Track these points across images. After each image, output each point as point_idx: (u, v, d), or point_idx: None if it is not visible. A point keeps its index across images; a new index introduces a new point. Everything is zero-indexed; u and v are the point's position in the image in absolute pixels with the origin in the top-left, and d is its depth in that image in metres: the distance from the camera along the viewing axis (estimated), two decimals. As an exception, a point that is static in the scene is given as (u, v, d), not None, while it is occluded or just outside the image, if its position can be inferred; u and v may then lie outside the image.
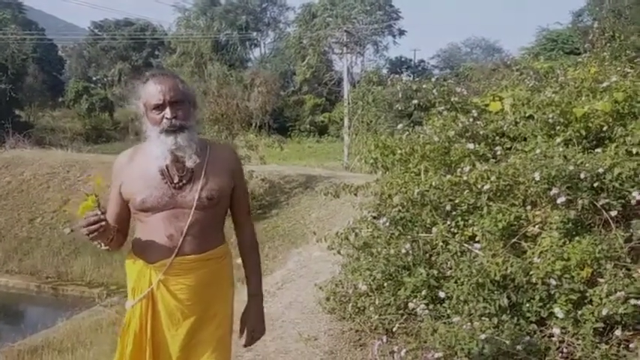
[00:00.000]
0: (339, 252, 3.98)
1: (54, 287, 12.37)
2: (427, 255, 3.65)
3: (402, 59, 40.42)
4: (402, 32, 37.64)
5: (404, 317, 3.48)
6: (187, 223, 2.02)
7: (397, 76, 6.41)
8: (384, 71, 31.45)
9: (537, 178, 3.21)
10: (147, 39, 39.78)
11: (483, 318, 2.97)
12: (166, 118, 2.01)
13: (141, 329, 2.04)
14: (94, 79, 38.85)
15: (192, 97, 2.12)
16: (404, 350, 3.03)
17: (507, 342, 2.68)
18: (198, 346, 2.07)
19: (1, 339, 8.43)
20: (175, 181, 2.04)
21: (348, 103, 21.26)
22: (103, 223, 1.93)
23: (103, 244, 2.03)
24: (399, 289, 3.56)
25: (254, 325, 2.21)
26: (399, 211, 3.95)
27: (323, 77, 33.17)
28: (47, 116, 36.56)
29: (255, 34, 38.65)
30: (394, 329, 3.37)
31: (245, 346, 2.25)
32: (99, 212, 1.92)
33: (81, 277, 12.32)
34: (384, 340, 3.35)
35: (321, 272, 5.07)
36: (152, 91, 2.03)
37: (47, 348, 6.94)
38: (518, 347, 2.63)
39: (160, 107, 2.02)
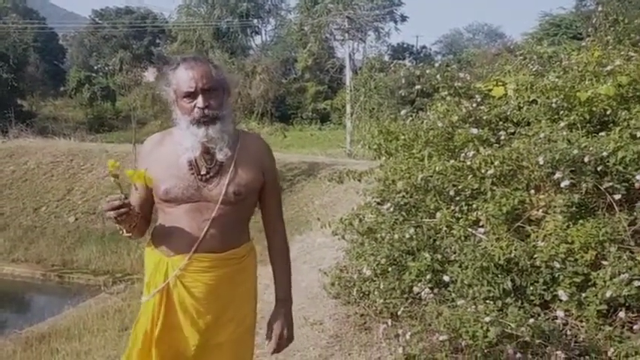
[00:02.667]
0: (343, 237, 4.00)
1: (59, 275, 12.49)
2: (431, 240, 3.67)
3: (404, 45, 40.23)
4: (404, 18, 37.43)
5: (408, 301, 3.51)
6: (211, 217, 1.92)
7: (400, 62, 6.40)
8: (386, 58, 31.29)
9: (541, 162, 3.22)
10: (148, 27, 39.61)
11: (488, 301, 2.99)
12: (198, 108, 1.89)
13: (151, 326, 1.94)
14: (95, 67, 38.69)
15: (226, 84, 1.99)
16: (409, 333, 3.06)
17: (512, 324, 2.70)
18: (215, 349, 1.98)
19: (8, 326, 8.54)
20: (202, 173, 1.94)
21: (351, 90, 21.22)
22: (128, 208, 1.83)
23: (125, 230, 1.94)
24: (404, 274, 3.58)
25: (281, 331, 2.10)
26: (403, 196, 3.97)
27: (325, 64, 33.03)
28: (49, 105, 36.60)
29: (256, 21, 38.44)
30: (399, 313, 3.40)
31: (272, 353, 2.15)
32: (122, 196, 1.82)
33: (86, 265, 12.44)
34: (389, 323, 3.39)
35: (325, 258, 5.10)
36: (183, 77, 1.92)
37: (54, 335, 7.01)
38: (522, 329, 2.65)
39: (191, 95, 1.90)
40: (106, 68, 38.82)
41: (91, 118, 33.31)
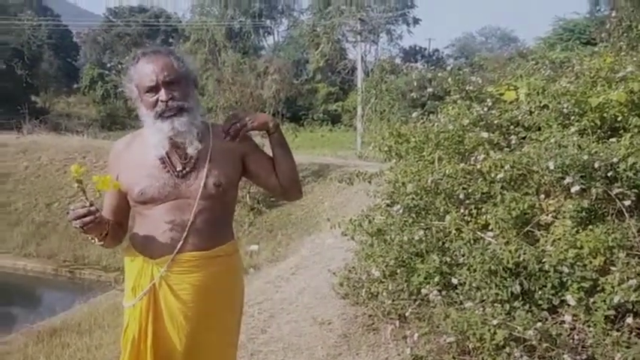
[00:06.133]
0: (352, 238, 4.03)
1: (71, 271, 12.61)
2: (440, 242, 3.69)
3: (416, 48, 40.19)
4: (416, 21, 37.34)
5: (417, 303, 3.53)
6: (192, 214, 1.84)
7: (412, 64, 6.42)
8: (398, 60, 31.28)
9: (551, 167, 3.24)
10: (161, 26, 39.86)
11: (495, 304, 3.01)
12: (161, 101, 1.82)
13: (140, 332, 1.87)
14: (108, 65, 39.00)
15: (190, 76, 1.91)
16: (416, 334, 3.08)
17: (519, 328, 2.72)
18: (202, 351, 1.91)
19: (20, 320, 8.65)
20: (178, 169, 1.86)
21: (362, 92, 21.23)
22: (95, 215, 1.75)
23: (96, 239, 1.87)
24: (412, 276, 3.61)
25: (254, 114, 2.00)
26: (413, 199, 3.99)
27: (336, 66, 33.04)
28: (62, 102, 36.92)
29: (268, 21, 38.57)
30: (407, 314, 3.42)
31: (225, 131, 1.95)
32: (87, 204, 1.74)
33: (97, 261, 12.54)
34: (397, 324, 3.42)
35: (335, 259, 5.14)
36: (144, 71, 1.84)
37: (66, 329, 7.10)
38: (530, 333, 2.67)
39: (153, 89, 1.83)
40: (119, 66, 39.12)
41: (104, 116, 33.55)
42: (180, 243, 1.85)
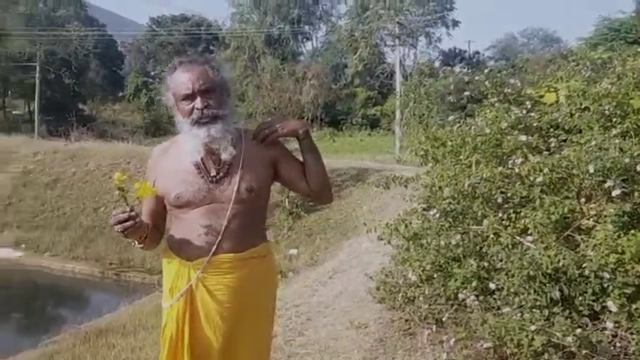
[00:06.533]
0: (389, 242, 4.04)
1: (116, 273, 12.98)
2: (477, 247, 3.66)
3: (456, 51, 39.73)
4: (455, 23, 36.95)
5: (453, 308, 3.51)
6: (226, 217, 1.89)
7: (449, 67, 6.37)
8: (437, 63, 31.02)
9: (592, 171, 3.18)
10: (202, 34, 40.65)
11: (534, 310, 2.97)
12: (197, 109, 1.88)
13: (177, 331, 1.92)
14: (152, 73, 39.98)
15: (225, 84, 1.96)
16: (453, 340, 3.07)
17: (558, 334, 2.68)
18: (238, 355, 1.96)
19: (69, 321, 8.95)
20: (212, 175, 1.92)
21: (400, 96, 21.12)
22: (135, 220, 1.82)
23: (136, 242, 1.95)
24: (449, 280, 3.59)
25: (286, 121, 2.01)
26: (450, 203, 3.97)
27: (375, 70, 32.99)
28: (108, 110, 38.07)
29: (307, 27, 38.82)
30: (443, 319, 3.41)
31: (255, 138, 1.99)
32: (127, 209, 1.82)
33: (142, 264, 12.87)
34: (434, 329, 3.41)
35: (372, 263, 5.14)
36: (180, 80, 1.91)
37: (111, 330, 7.31)
38: (569, 339, 2.62)
39: (189, 97, 1.89)
40: (163, 74, 40.06)
41: (148, 123, 34.40)
42: (216, 245, 1.90)
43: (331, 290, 4.69)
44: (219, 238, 1.90)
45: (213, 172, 1.93)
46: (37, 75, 31.47)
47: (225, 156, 1.92)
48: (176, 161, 1.96)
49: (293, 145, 2.17)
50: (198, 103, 1.88)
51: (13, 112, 35.21)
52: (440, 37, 37.12)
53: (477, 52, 41.24)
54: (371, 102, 33.45)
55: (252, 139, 2.00)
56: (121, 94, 39.10)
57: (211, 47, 42.06)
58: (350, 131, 31.64)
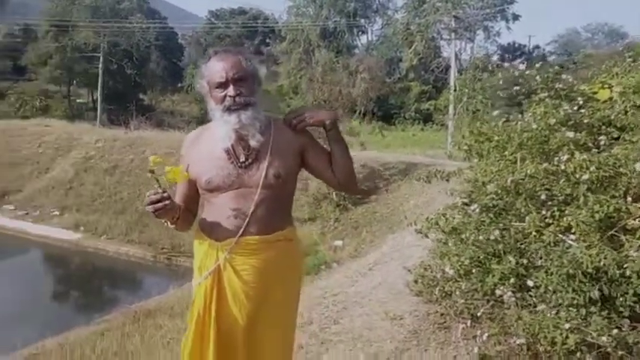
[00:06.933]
0: (426, 236, 4.03)
1: (168, 258, 13.41)
2: (518, 244, 3.61)
3: (515, 45, 38.64)
4: (516, 17, 35.86)
5: (490, 303, 3.48)
6: (254, 202, 1.97)
7: (501, 63, 6.25)
8: (495, 58, 30.25)
9: (638, 169, 3.08)
10: (259, 27, 41.17)
11: (570, 308, 2.91)
12: (229, 96, 1.96)
13: (205, 307, 2.01)
14: (209, 65, 40.73)
15: (256, 74, 2.04)
16: (486, 334, 3.05)
17: (593, 333, 2.62)
18: (262, 333, 2.03)
19: (121, 301, 9.35)
20: (241, 161, 2.00)
21: (455, 90, 20.78)
22: (166, 202, 1.92)
23: (169, 223, 2.05)
24: (487, 276, 3.56)
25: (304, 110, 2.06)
26: (492, 198, 3.92)
27: (430, 64, 32.54)
28: (167, 100, 39.14)
29: (362, 20, 38.64)
30: (479, 314, 3.39)
31: (293, 125, 2.06)
32: (160, 191, 1.91)
33: (192, 249, 13.21)
34: (468, 324, 3.39)
35: (413, 256, 5.14)
36: (214, 68, 1.99)
37: (159, 312, 7.60)
38: (604, 339, 2.57)
39: (222, 85, 1.97)
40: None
41: (204, 113, 34.83)
42: (243, 228, 1.99)
43: (370, 281, 4.72)
44: (247, 220, 1.99)
45: (242, 158, 2.01)
46: (101, 65, 32.65)
47: (253, 142, 1.99)
48: (208, 147, 2.05)
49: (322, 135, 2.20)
50: (230, 90, 1.97)
51: (77, 101, 36.71)
52: (499, 31, 36.16)
53: (537, 47, 40.00)
54: (425, 96, 33.02)
55: (284, 129, 2.07)
56: (179, 85, 40.12)
57: (267, 40, 42.56)
58: (402, 125, 31.36)
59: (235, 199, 2.00)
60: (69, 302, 13.11)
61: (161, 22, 40.84)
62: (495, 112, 4.56)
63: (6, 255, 15.63)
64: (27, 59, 35.72)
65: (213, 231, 2.05)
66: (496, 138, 4.25)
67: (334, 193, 12.74)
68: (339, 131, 2.11)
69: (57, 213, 17.13)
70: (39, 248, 15.93)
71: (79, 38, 32.15)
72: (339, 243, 10.97)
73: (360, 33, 40.07)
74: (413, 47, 32.80)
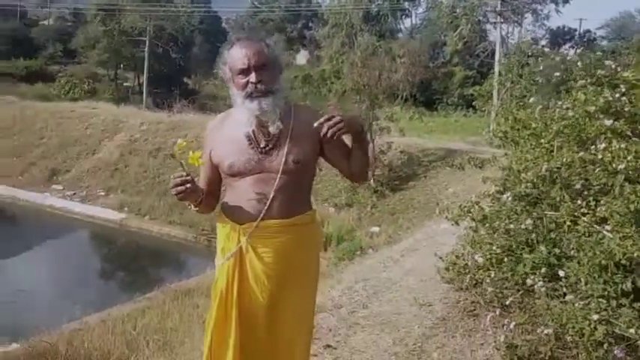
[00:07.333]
0: (456, 223, 4.02)
1: (208, 239, 13.69)
2: (551, 233, 3.56)
3: (565, 29, 37.39)
4: (566, 0, 34.66)
5: (520, 292, 3.45)
6: (274, 187, 2.02)
7: (545, 47, 6.09)
8: (543, 42, 29.28)
9: (678, 159, 2.98)
10: (302, 11, 41.10)
11: (601, 300, 2.87)
12: (251, 83, 1.99)
13: (227, 289, 2.07)
14: (252, 49, 40.94)
15: (278, 62, 2.08)
16: (513, 323, 3.04)
17: (622, 325, 2.58)
18: (282, 313, 2.09)
19: (163, 280, 9.64)
20: (262, 146, 2.05)
21: (500, 75, 20.30)
22: (189, 185, 1.98)
23: (193, 206, 2.12)
24: (518, 265, 3.53)
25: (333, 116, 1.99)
26: (526, 187, 3.87)
27: (475, 48, 31.83)
28: (210, 84, 39.61)
29: (406, 4, 38.04)
30: (508, 303, 3.37)
31: (323, 134, 1.97)
32: (184, 173, 1.98)
33: (231, 232, 13.47)
34: (497, 312, 3.38)
35: (446, 244, 5.11)
36: (237, 55, 2.02)
37: (198, 291, 7.82)
38: (632, 331, 2.53)
39: (245, 72, 2.00)
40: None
41: (245, 98, 35.32)
42: (264, 212, 2.04)
43: (401, 268, 4.74)
44: (268, 204, 2.04)
45: (262, 144, 2.06)
46: (147, 49, 33.28)
47: (273, 129, 2.04)
48: (230, 132, 2.11)
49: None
50: (252, 77, 2.00)
51: (124, 84, 37.61)
52: (548, 14, 35.00)
53: (588, 31, 38.59)
54: (469, 82, 32.35)
55: (303, 115, 2.10)
56: (222, 69, 40.46)
57: (310, 24, 42.45)
58: (445, 111, 30.88)
59: (256, 183, 2.06)
60: (112, 280, 13.61)
61: (205, 6, 41.24)
62: (532, 99, 4.47)
63: (55, 233, 16.31)
64: (77, 43, 36.76)
65: (234, 214, 2.10)
66: (533, 125, 4.18)
67: (372, 180, 12.73)
68: (364, 137, 2.16)
69: (102, 193, 17.74)
70: (85, 227, 16.55)
71: (126, 22, 32.83)
72: (375, 229, 11.00)
73: (403, 16, 39.46)
74: (458, 31, 32.09)
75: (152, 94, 32.62)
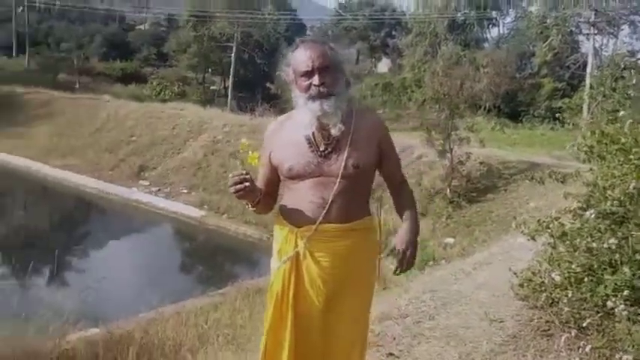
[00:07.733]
0: (533, 239, 3.86)
1: (281, 241, 13.94)
2: (636, 254, 3.34)
3: (667, 41, 34.97)
4: (669, 10, 32.40)
5: (599, 315, 3.27)
6: (333, 191, 2.02)
7: (635, 60, 5.74)
8: (641, 55, 27.49)
9: None
10: (385, 19, 41.00)
11: (689, 329, 2.67)
12: (314, 85, 2.00)
13: (283, 292, 2.08)
14: (334, 57, 41.28)
15: (340, 65, 2.09)
16: (589, 346, 2.88)
17: None
18: (337, 317, 2.08)
19: (237, 277, 9.91)
20: (321, 149, 2.05)
21: (591, 88, 19.29)
22: (247, 184, 2.00)
23: (250, 205, 2.14)
24: (599, 286, 3.34)
25: (405, 243, 2.11)
26: (612, 204, 3.66)
27: (566, 60, 30.44)
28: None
29: (494, 13, 37.02)
30: (585, 325, 3.20)
31: (395, 271, 2.15)
32: (243, 172, 2.00)
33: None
34: (573, 334, 3.21)
35: (522, 259, 4.91)
36: (301, 57, 2.03)
37: (267, 290, 7.96)
38: None
39: (308, 74, 2.01)
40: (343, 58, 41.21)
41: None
42: (322, 216, 2.04)
43: (473, 281, 4.60)
44: (326, 208, 2.05)
45: (322, 147, 2.07)
46: (233, 55, 34.34)
47: (334, 131, 2.03)
48: (290, 134, 2.13)
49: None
50: (315, 79, 2.01)
51: (211, 87, 39.00)
52: (647, 25, 32.88)
53: (694, 44, 35.86)
54: (558, 94, 30.94)
55: (363, 119, 2.11)
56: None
57: (393, 32, 42.25)
58: (530, 123, 29.69)
59: (315, 187, 2.06)
60: (189, 274, 14.12)
61: (291, 14, 42.03)
62: (621, 113, 4.22)
63: (139, 226, 17.19)
64: (169, 47, 38.59)
65: (292, 217, 2.11)
66: (622, 140, 3.95)
67: (448, 190, 12.45)
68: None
69: (185, 191, 18.50)
70: (168, 222, 17.32)
71: (216, 28, 34.05)
72: (449, 240, 10.75)
73: (490, 26, 38.42)
74: (548, 42, 30.85)
75: (236, 97, 33.61)
